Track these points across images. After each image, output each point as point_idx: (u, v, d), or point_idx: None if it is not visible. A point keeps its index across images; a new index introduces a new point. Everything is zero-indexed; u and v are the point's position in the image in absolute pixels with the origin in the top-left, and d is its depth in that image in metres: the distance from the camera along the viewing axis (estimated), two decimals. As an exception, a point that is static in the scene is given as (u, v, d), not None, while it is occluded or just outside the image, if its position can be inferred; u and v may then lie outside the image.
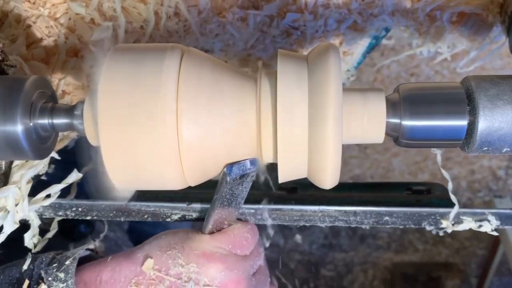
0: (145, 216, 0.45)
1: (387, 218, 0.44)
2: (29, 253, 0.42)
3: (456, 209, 0.43)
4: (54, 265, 0.41)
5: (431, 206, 0.44)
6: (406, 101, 0.34)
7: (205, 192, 0.47)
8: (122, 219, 0.45)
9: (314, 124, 0.31)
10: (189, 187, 0.36)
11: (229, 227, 0.42)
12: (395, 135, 0.35)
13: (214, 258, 0.40)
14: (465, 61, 0.62)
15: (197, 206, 0.44)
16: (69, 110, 0.35)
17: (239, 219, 0.44)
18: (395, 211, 0.43)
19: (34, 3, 0.46)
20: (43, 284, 0.40)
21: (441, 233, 0.44)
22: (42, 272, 0.40)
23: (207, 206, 0.44)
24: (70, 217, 0.45)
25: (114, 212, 0.45)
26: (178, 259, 0.39)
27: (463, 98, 0.33)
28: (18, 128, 0.32)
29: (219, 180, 0.38)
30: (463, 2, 0.49)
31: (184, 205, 0.45)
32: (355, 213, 0.44)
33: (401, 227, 0.44)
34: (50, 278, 0.40)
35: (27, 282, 0.40)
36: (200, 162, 0.33)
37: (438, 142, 0.34)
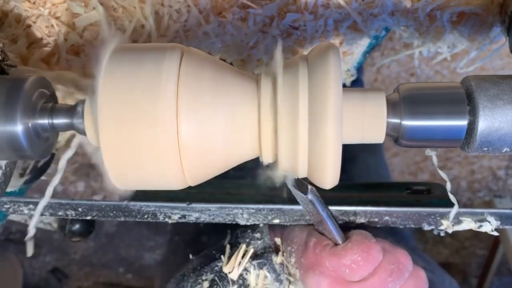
0: (145, 216, 0.45)
1: (387, 218, 0.44)
2: (228, 231, 0.52)
3: (455, 209, 0.43)
4: (248, 231, 0.50)
5: (431, 206, 0.44)
6: (406, 101, 0.34)
7: (205, 192, 0.47)
8: (122, 219, 0.45)
9: (314, 124, 0.31)
10: (189, 187, 0.36)
11: (344, 246, 0.40)
12: (395, 135, 0.35)
13: (313, 271, 0.41)
14: (465, 61, 0.62)
15: (197, 206, 0.44)
16: (69, 110, 0.35)
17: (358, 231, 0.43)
18: (395, 211, 0.43)
19: (34, 2, 0.46)
20: (242, 244, 0.48)
21: (441, 233, 0.44)
22: (238, 239, 0.50)
23: (207, 205, 0.44)
24: (70, 217, 0.45)
25: (114, 212, 0.45)
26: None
27: (463, 98, 0.33)
28: (18, 128, 0.32)
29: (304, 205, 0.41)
30: (463, 2, 0.49)
31: (184, 205, 0.45)
32: (355, 213, 0.44)
33: (401, 227, 0.44)
34: (247, 240, 0.49)
35: (228, 246, 0.50)
36: (200, 162, 0.33)
37: (438, 142, 0.34)
